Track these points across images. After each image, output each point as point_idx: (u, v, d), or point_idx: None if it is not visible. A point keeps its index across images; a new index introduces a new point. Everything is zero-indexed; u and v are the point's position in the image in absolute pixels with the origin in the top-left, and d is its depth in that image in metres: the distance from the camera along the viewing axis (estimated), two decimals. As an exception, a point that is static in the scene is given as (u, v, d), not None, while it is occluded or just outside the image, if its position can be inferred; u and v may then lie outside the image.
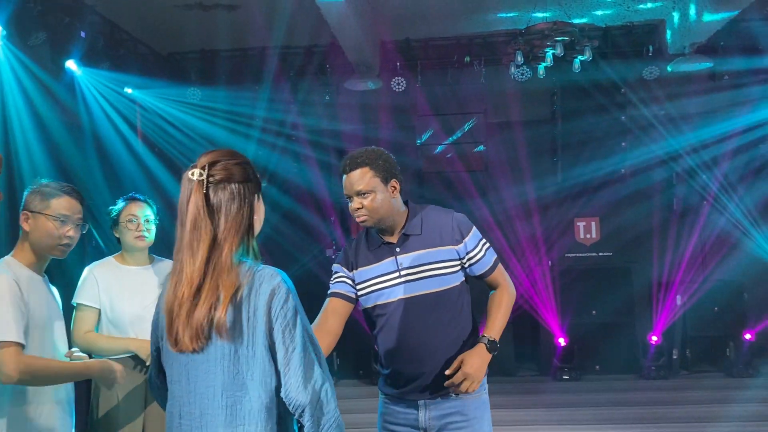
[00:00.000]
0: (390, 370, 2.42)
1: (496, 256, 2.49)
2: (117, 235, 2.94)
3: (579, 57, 5.55)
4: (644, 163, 7.10)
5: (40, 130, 4.81)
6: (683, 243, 7.03)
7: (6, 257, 2.33)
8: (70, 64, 5.81)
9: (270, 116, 7.38)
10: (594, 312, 6.97)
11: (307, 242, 7.48)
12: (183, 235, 1.67)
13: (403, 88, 7.15)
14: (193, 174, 1.68)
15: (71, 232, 2.35)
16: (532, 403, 6.13)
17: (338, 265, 2.46)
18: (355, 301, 2.43)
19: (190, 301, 1.62)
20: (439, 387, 2.34)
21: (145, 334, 2.69)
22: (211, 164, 1.69)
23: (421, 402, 2.37)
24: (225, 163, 1.70)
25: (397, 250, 2.38)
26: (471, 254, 2.41)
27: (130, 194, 3.03)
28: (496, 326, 2.40)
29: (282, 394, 1.61)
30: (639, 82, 6.94)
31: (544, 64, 5.53)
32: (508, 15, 6.62)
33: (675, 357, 6.85)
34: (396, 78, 7.13)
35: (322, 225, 7.53)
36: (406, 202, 2.47)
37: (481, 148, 7.28)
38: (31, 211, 2.31)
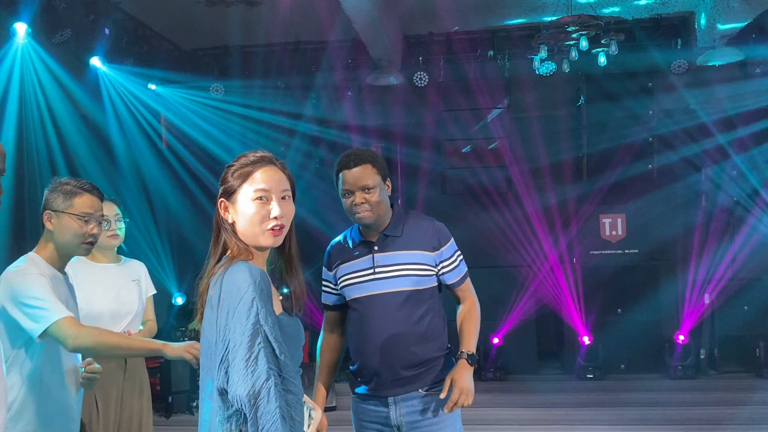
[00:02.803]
0: (358, 364, 2.49)
1: (466, 269, 2.62)
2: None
3: (604, 51, 5.42)
4: (672, 159, 6.95)
5: (63, 127, 4.87)
6: (712, 241, 6.87)
7: (30, 254, 2.35)
8: (95, 61, 5.87)
9: (291, 112, 7.39)
10: (619, 310, 6.86)
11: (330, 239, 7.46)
12: None
13: (425, 83, 7.10)
14: None
15: (95, 230, 2.38)
16: (555, 403, 6.05)
17: (324, 269, 2.60)
18: (345, 305, 2.54)
19: (199, 289, 1.80)
20: (407, 384, 2.41)
21: (120, 328, 2.86)
22: None
23: (390, 399, 2.43)
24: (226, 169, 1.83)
25: (376, 248, 2.47)
26: (445, 263, 2.52)
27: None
28: (471, 341, 2.51)
29: (231, 390, 1.61)
30: (667, 76, 6.79)
31: (567, 59, 5.42)
32: (535, 6, 6.52)
33: (703, 357, 6.71)
34: (418, 73, 7.08)
35: (342, 222, 7.50)
36: (392, 205, 2.55)
37: (503, 142, 7.18)
38: (54, 211, 2.33)
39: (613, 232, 7.03)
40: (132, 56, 6.37)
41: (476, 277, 7.15)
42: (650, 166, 6.89)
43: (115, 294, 2.93)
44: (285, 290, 1.84)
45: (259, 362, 1.57)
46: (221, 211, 1.77)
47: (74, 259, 2.93)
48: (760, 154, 6.79)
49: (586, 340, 6.76)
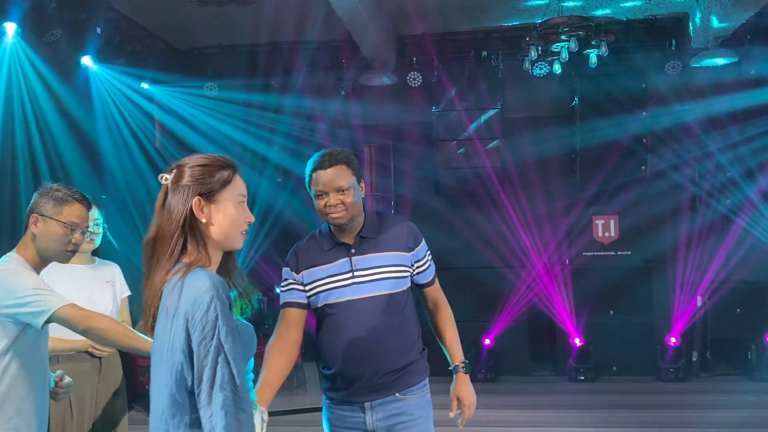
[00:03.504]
0: (334, 370, 2.43)
1: (435, 269, 2.63)
2: None
3: (595, 52, 5.40)
4: (666, 161, 6.93)
5: (49, 127, 4.86)
6: (705, 243, 6.85)
7: (11, 253, 2.35)
8: (86, 60, 5.87)
9: (285, 112, 7.39)
10: (612, 312, 6.85)
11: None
12: None
13: (419, 83, 7.10)
14: (161, 177, 1.75)
15: (78, 239, 2.40)
16: (546, 404, 6.04)
17: (287, 269, 2.48)
18: (308, 306, 2.45)
19: (146, 294, 1.71)
20: (384, 388, 2.39)
21: None
22: (175, 167, 1.74)
23: (366, 404, 2.40)
24: (183, 167, 1.73)
25: (353, 251, 2.42)
26: (419, 263, 2.51)
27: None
28: (459, 349, 2.60)
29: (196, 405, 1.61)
30: (661, 77, 6.77)
31: (559, 60, 5.41)
32: (527, 7, 6.50)
33: (695, 359, 6.69)
34: (412, 73, 7.08)
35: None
36: (363, 207, 2.51)
37: (496, 143, 7.17)
38: (42, 215, 2.34)
39: (606, 234, 7.01)
40: (124, 56, 6.38)
41: (468, 278, 7.19)
42: (643, 167, 6.87)
43: (88, 295, 2.94)
44: (233, 293, 1.81)
45: (216, 385, 1.57)
46: (195, 211, 1.70)
47: None
48: (753, 156, 6.77)
49: (577, 341, 6.74)
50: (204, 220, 1.71)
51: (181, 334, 1.59)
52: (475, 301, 6.99)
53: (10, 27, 4.85)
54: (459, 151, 7.31)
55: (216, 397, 1.56)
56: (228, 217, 1.75)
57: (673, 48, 6.66)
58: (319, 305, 2.42)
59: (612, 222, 7.00)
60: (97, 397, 2.86)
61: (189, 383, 1.60)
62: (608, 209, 7.00)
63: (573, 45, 5.05)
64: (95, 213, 3.04)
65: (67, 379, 2.37)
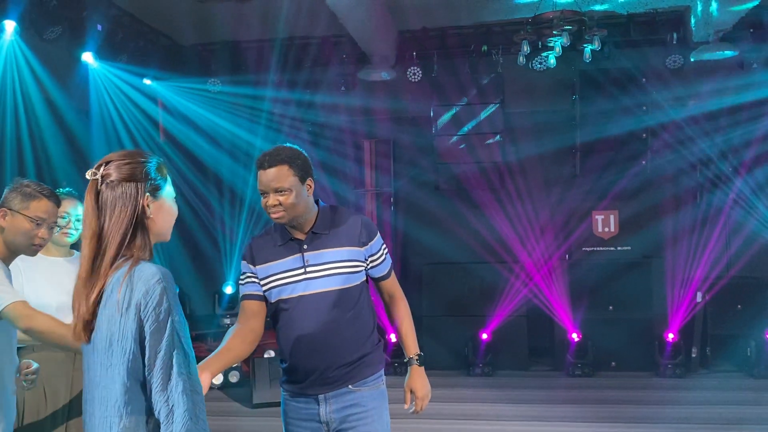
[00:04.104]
0: (289, 363, 2.47)
1: (391, 263, 2.64)
2: None
3: (589, 46, 5.38)
4: (666, 156, 6.89)
5: (43, 125, 4.96)
6: (706, 238, 6.80)
7: None
8: (87, 57, 5.96)
9: (285, 107, 7.45)
10: (611, 307, 6.83)
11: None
12: (82, 230, 1.77)
13: (419, 78, 7.11)
14: (89, 174, 1.76)
15: (45, 234, 2.47)
16: (542, 399, 6.05)
17: (245, 263, 2.51)
18: (265, 298, 2.48)
19: (83, 294, 1.70)
20: (337, 381, 2.42)
21: (68, 320, 2.80)
22: (107, 164, 1.75)
23: (321, 396, 2.43)
24: (117, 163, 1.75)
25: (305, 247, 2.44)
26: (374, 257, 2.53)
27: (67, 190, 3.10)
28: (414, 342, 2.62)
29: (148, 392, 1.67)
30: (662, 72, 6.72)
31: (553, 54, 5.40)
32: (527, 2, 6.49)
33: (694, 355, 6.65)
34: (412, 68, 7.10)
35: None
36: (316, 201, 2.52)
37: (497, 138, 7.17)
38: (10, 209, 2.41)
39: (606, 229, 6.99)
40: (126, 52, 6.45)
41: (466, 273, 7.21)
42: (643, 162, 6.84)
43: (64, 287, 2.97)
44: None
45: (174, 370, 1.64)
46: (146, 207, 1.75)
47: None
48: (754, 151, 6.70)
49: (575, 337, 6.74)
50: (151, 216, 1.77)
51: (133, 324, 1.64)
52: (472, 295, 7.02)
53: (10, 25, 4.94)
54: (461, 147, 7.32)
55: (175, 383, 1.63)
56: (169, 213, 1.82)
57: (674, 42, 6.60)
58: (273, 300, 2.45)
59: (612, 217, 6.98)
60: (72, 385, 2.92)
61: (140, 371, 1.66)
62: (608, 204, 6.98)
63: (565, 40, 5.03)
64: (76, 209, 3.08)
65: (34, 366, 2.42)
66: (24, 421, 2.79)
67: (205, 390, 2.24)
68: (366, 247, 2.48)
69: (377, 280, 2.59)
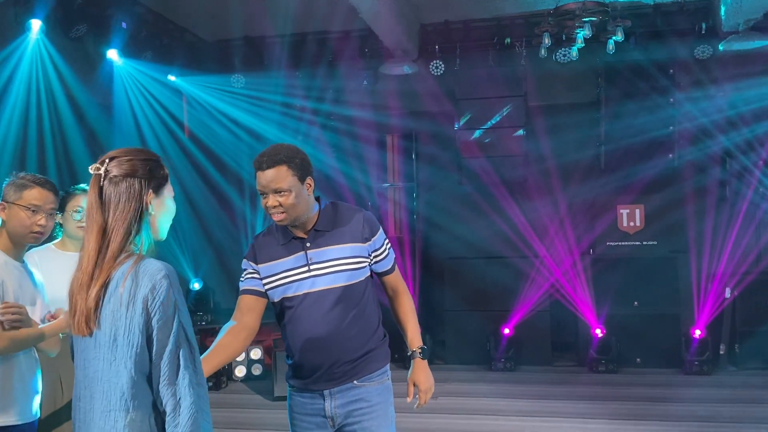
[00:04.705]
0: (295, 360, 2.49)
1: (395, 257, 2.64)
2: (60, 222, 3.07)
3: (613, 38, 5.28)
4: (694, 149, 6.74)
5: (75, 120, 5.06)
6: (734, 233, 6.64)
7: None
8: (112, 54, 6.05)
9: (308, 102, 7.48)
10: (636, 303, 6.73)
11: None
12: (85, 224, 1.79)
13: (441, 72, 7.07)
14: (92, 168, 1.78)
15: (43, 221, 2.51)
16: (565, 395, 5.99)
17: (246, 261, 2.51)
18: (264, 295, 2.48)
19: (86, 287, 1.72)
20: (342, 376, 2.43)
21: None
22: (110, 159, 1.78)
23: (326, 392, 2.45)
24: (121, 160, 1.77)
25: (308, 245, 2.44)
26: (377, 253, 2.53)
27: (81, 186, 3.11)
28: (417, 335, 2.61)
29: (154, 385, 1.70)
30: (690, 63, 6.57)
31: (576, 46, 5.31)
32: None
33: (722, 352, 6.53)
34: (435, 61, 7.06)
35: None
36: (317, 199, 2.52)
37: (521, 132, 7.10)
38: (7, 202, 2.47)
39: (631, 223, 6.88)
40: (151, 49, 6.55)
41: (488, 267, 7.17)
42: (671, 155, 6.71)
43: None
44: None
45: (181, 364, 1.68)
46: (148, 203, 1.78)
47: (43, 247, 3.08)
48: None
49: (598, 332, 6.66)
50: (152, 213, 1.80)
51: (140, 318, 1.68)
52: (494, 290, 6.98)
53: (36, 24, 5.04)
54: (485, 141, 7.26)
55: (182, 376, 1.68)
56: (167, 211, 1.85)
57: (703, 32, 6.44)
58: (277, 299, 2.45)
59: (637, 211, 6.86)
60: None
61: (147, 364, 1.69)
62: (633, 198, 6.86)
63: (587, 31, 4.94)
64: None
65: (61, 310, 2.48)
66: (41, 411, 2.86)
67: None
68: (369, 242, 2.48)
69: (381, 275, 2.59)
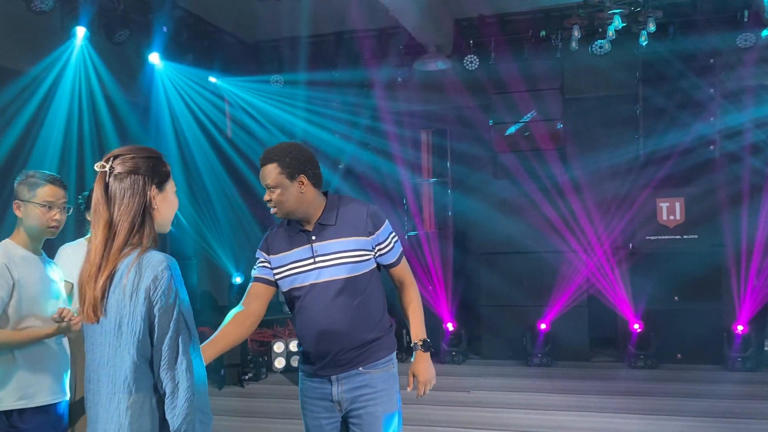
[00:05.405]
0: (304, 348, 2.61)
1: (402, 250, 2.70)
2: (89, 218, 3.22)
3: (647, 29, 5.19)
4: (735, 140, 6.55)
5: (115, 125, 5.28)
6: (780, 226, 6.44)
7: (5, 240, 2.70)
8: (153, 58, 6.28)
9: (344, 99, 7.59)
10: (676, 298, 6.59)
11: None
12: (92, 219, 1.91)
13: (476, 67, 7.07)
14: (97, 166, 1.90)
15: (57, 216, 2.70)
16: (602, 390, 5.93)
17: (259, 251, 2.64)
18: (275, 284, 2.60)
19: (93, 278, 1.83)
20: (348, 363, 2.53)
21: None
22: (114, 157, 1.89)
23: (333, 377, 2.55)
24: (125, 157, 1.89)
25: (313, 238, 2.55)
26: (381, 246, 2.59)
27: None
28: (420, 327, 2.66)
29: (154, 369, 1.82)
30: (731, 52, 6.39)
31: (602, 41, 5.25)
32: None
33: (766, 348, 6.33)
34: (469, 56, 7.06)
35: (393, 207, 7.60)
36: (326, 193, 2.61)
37: (556, 124, 7.03)
38: (21, 200, 2.65)
39: (671, 217, 6.74)
40: (192, 51, 6.75)
41: (524, 262, 7.13)
42: (712, 147, 6.54)
43: None
44: None
45: (180, 350, 1.80)
46: (152, 198, 1.89)
47: (76, 242, 3.27)
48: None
49: (636, 327, 6.56)
50: (156, 207, 1.91)
51: (142, 307, 1.80)
52: (530, 285, 6.95)
53: (80, 31, 5.29)
54: (523, 134, 7.22)
55: (180, 361, 1.80)
56: (171, 205, 1.96)
57: (746, 19, 6.26)
58: (286, 289, 2.57)
59: (677, 204, 6.71)
60: None
61: (148, 350, 1.81)
62: (674, 191, 6.72)
63: (617, 23, 4.88)
64: None
65: (68, 309, 2.63)
66: (77, 396, 3.05)
67: None
68: (373, 236, 2.56)
69: (387, 268, 2.66)
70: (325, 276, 2.51)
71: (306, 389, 2.64)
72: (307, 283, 2.52)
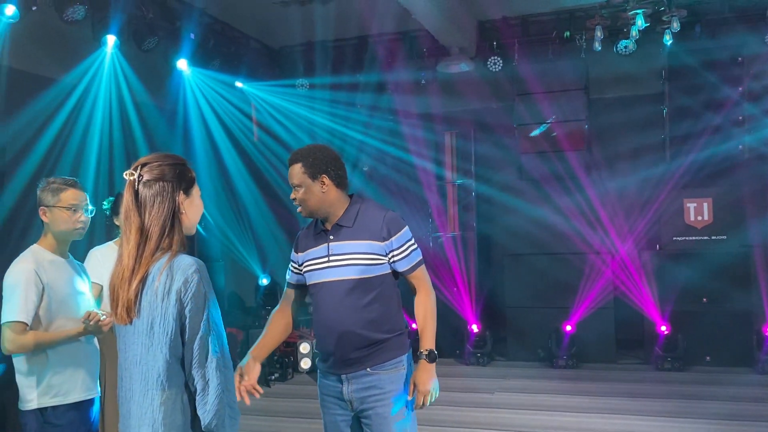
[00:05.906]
0: (318, 345, 2.71)
1: (420, 258, 2.71)
2: (117, 223, 3.32)
3: (669, 29, 5.15)
4: (764, 139, 6.44)
5: (144, 129, 5.41)
6: (810, 226, 6.32)
7: (33, 245, 2.80)
8: (181, 64, 6.41)
9: (368, 103, 7.65)
10: (705, 300, 6.51)
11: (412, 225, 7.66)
12: (123, 225, 1.99)
13: (500, 68, 7.08)
14: (126, 174, 1.98)
15: (82, 217, 2.80)
16: (628, 392, 5.89)
17: (292, 252, 2.79)
18: (305, 285, 2.72)
19: (127, 281, 1.92)
20: (356, 363, 2.58)
21: None
22: (142, 165, 1.97)
23: (343, 376, 2.61)
24: (152, 165, 1.97)
25: (330, 237, 2.64)
26: (395, 252, 2.63)
27: None
28: (429, 337, 2.66)
29: (186, 367, 1.90)
30: (760, 47, 6.29)
31: (626, 41, 5.22)
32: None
33: (798, 351, 6.22)
34: (492, 58, 7.07)
35: (417, 209, 7.63)
36: (352, 195, 2.69)
37: (581, 125, 7.00)
38: (47, 206, 2.75)
39: (699, 217, 6.66)
40: (218, 57, 6.87)
41: (550, 264, 7.11)
42: (740, 146, 6.45)
43: None
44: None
45: (210, 349, 1.89)
46: (180, 203, 1.97)
47: (105, 245, 3.38)
48: None
49: (663, 329, 6.49)
50: (183, 212, 2.00)
51: (174, 308, 1.88)
52: (556, 287, 6.92)
53: (111, 39, 5.43)
54: (546, 136, 7.20)
55: (210, 359, 1.89)
56: (197, 209, 2.05)
57: (774, 15, 6.17)
58: (307, 284, 2.71)
59: (705, 205, 6.63)
60: None
61: (179, 349, 1.90)
62: (701, 192, 6.64)
63: (640, 23, 4.85)
64: None
65: (94, 312, 2.71)
66: (106, 392, 3.15)
67: (256, 377, 2.54)
68: (387, 242, 2.59)
69: (401, 274, 2.68)
70: (336, 275, 2.59)
71: (322, 386, 2.72)
72: (320, 281, 2.63)
